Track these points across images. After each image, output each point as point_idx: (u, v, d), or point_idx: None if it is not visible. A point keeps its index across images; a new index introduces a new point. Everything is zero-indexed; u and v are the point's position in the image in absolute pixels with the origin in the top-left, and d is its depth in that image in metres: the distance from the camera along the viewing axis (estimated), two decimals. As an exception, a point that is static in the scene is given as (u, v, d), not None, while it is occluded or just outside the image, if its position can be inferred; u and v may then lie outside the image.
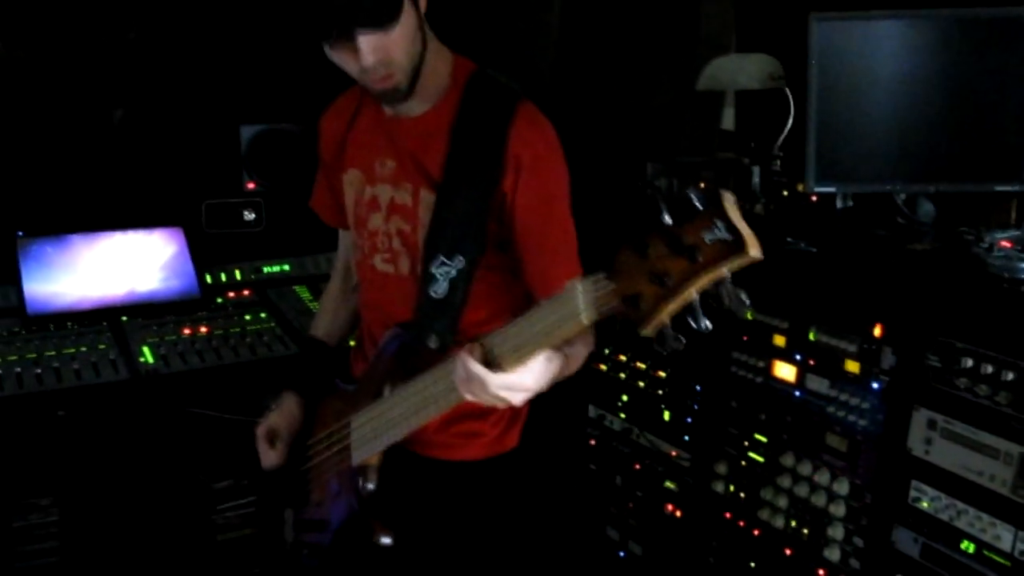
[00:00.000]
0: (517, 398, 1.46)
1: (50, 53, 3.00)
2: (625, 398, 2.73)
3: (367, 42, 1.55)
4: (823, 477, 2.14)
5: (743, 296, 1.13)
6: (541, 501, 2.89)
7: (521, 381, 1.43)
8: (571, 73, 3.63)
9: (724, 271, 1.11)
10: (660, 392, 2.61)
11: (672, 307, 1.15)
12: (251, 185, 3.27)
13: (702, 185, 2.64)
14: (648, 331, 1.18)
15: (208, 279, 3.01)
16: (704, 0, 3.21)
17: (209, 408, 2.58)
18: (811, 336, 2.17)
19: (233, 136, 3.23)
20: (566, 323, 1.30)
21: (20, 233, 2.78)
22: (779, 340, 2.25)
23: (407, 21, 1.59)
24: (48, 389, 2.38)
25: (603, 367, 2.80)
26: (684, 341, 1.18)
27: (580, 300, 1.26)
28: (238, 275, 3.08)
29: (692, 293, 1.13)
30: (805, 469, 2.18)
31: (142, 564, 2.74)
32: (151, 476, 2.74)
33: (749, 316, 2.32)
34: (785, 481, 2.23)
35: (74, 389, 2.41)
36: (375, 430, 1.71)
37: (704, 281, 1.12)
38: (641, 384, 2.67)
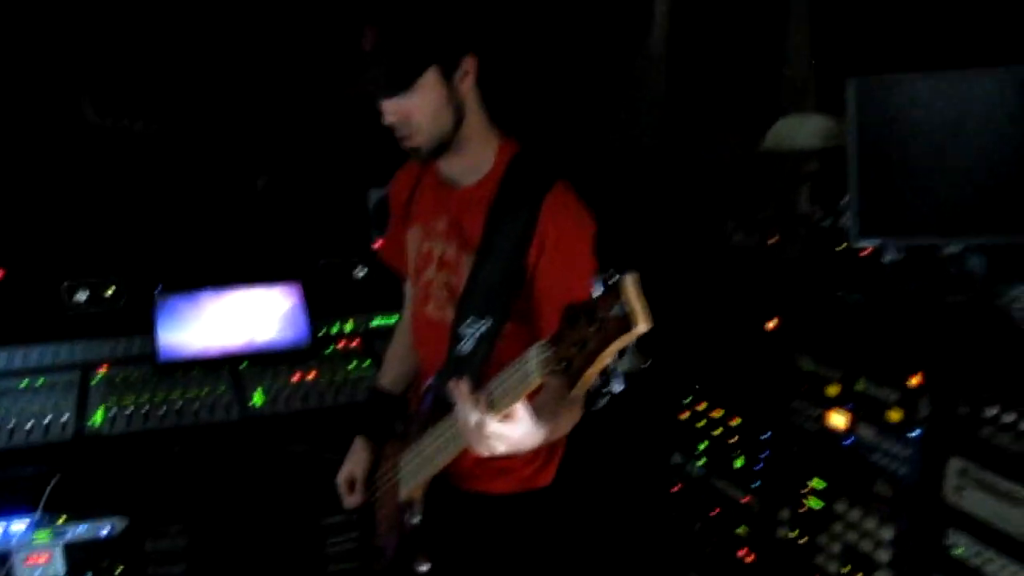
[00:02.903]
0: (501, 447, 1.60)
1: (194, 127, 3.39)
2: (703, 445, 2.83)
3: (387, 105, 1.85)
4: (871, 523, 2.19)
5: (640, 363, 1.30)
6: (624, 544, 3.00)
7: (507, 432, 1.59)
8: (674, 133, 3.79)
9: (623, 343, 1.29)
10: (733, 440, 2.70)
11: (592, 371, 1.33)
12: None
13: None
14: (577, 391, 1.36)
15: (321, 330, 3.28)
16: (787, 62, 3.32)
17: (310, 447, 2.83)
18: (859, 386, 2.23)
19: (362, 199, 3.54)
20: (523, 382, 1.49)
21: (158, 289, 3.14)
22: (832, 390, 2.33)
23: (428, 94, 1.83)
24: (168, 427, 2.70)
25: (684, 416, 2.91)
26: (604, 403, 1.35)
27: (532, 363, 1.45)
28: (349, 327, 3.35)
29: (606, 358, 1.31)
30: (855, 515, 2.23)
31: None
32: (268, 508, 3.01)
33: (804, 367, 2.40)
34: (838, 527, 2.28)
35: (190, 428, 2.72)
36: (416, 467, 1.92)
37: (612, 349, 1.30)
38: (717, 432, 2.77)
